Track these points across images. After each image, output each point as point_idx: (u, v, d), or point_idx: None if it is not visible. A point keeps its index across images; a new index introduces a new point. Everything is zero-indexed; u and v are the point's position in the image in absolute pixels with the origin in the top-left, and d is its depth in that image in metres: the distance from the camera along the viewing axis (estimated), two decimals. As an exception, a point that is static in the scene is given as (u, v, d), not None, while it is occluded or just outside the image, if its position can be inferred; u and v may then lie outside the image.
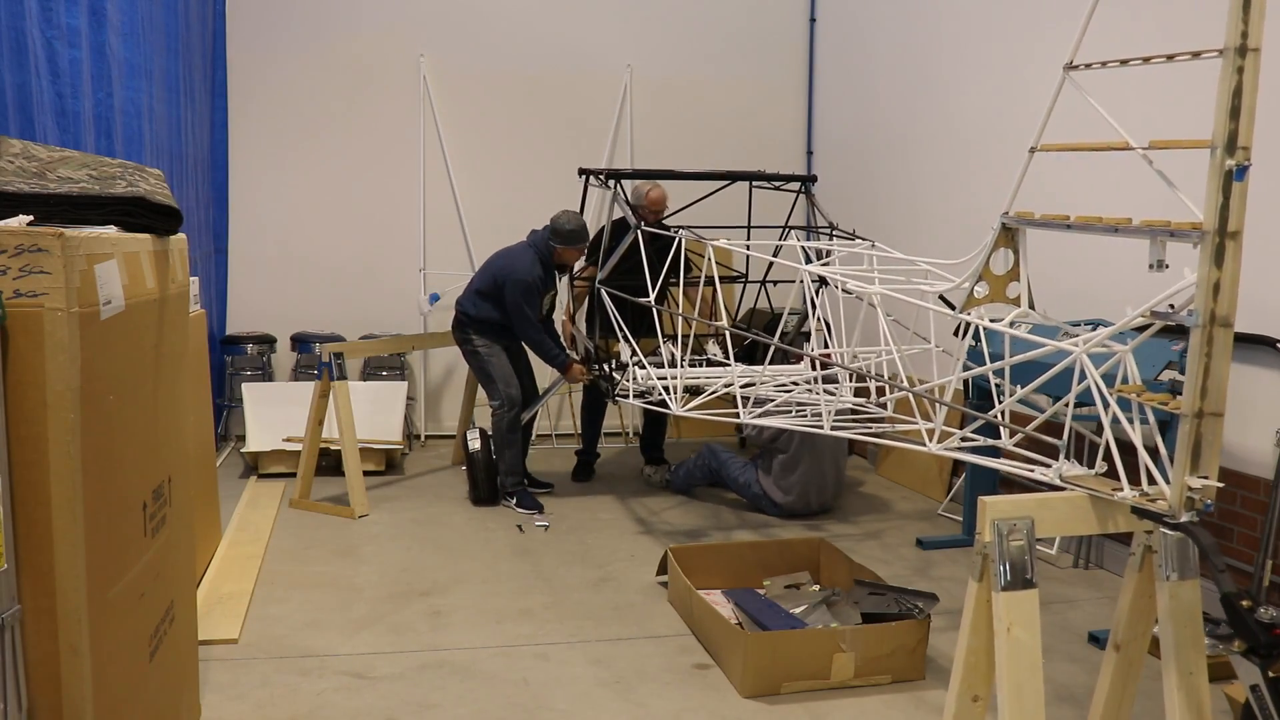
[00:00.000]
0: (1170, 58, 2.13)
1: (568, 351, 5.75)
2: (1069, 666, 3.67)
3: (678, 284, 4.94)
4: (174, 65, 5.57)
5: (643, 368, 4.98)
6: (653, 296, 4.80)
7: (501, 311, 5.57)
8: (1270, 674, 2.05)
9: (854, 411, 4.59)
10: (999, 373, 3.03)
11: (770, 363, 5.05)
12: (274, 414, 6.20)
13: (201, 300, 5.21)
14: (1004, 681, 2.11)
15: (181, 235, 2.74)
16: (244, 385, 6.42)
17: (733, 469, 5.63)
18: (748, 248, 4.73)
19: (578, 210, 5.62)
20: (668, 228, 5.28)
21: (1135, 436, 2.30)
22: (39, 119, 3.82)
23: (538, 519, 5.37)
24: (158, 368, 2.47)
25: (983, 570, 2.17)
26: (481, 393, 6.23)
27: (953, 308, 2.98)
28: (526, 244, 5.61)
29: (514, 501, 5.59)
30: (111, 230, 2.18)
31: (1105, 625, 2.36)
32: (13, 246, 1.79)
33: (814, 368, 4.89)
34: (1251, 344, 3.89)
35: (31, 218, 1.94)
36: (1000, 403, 3.01)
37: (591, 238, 5.79)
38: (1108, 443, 2.40)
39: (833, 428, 3.99)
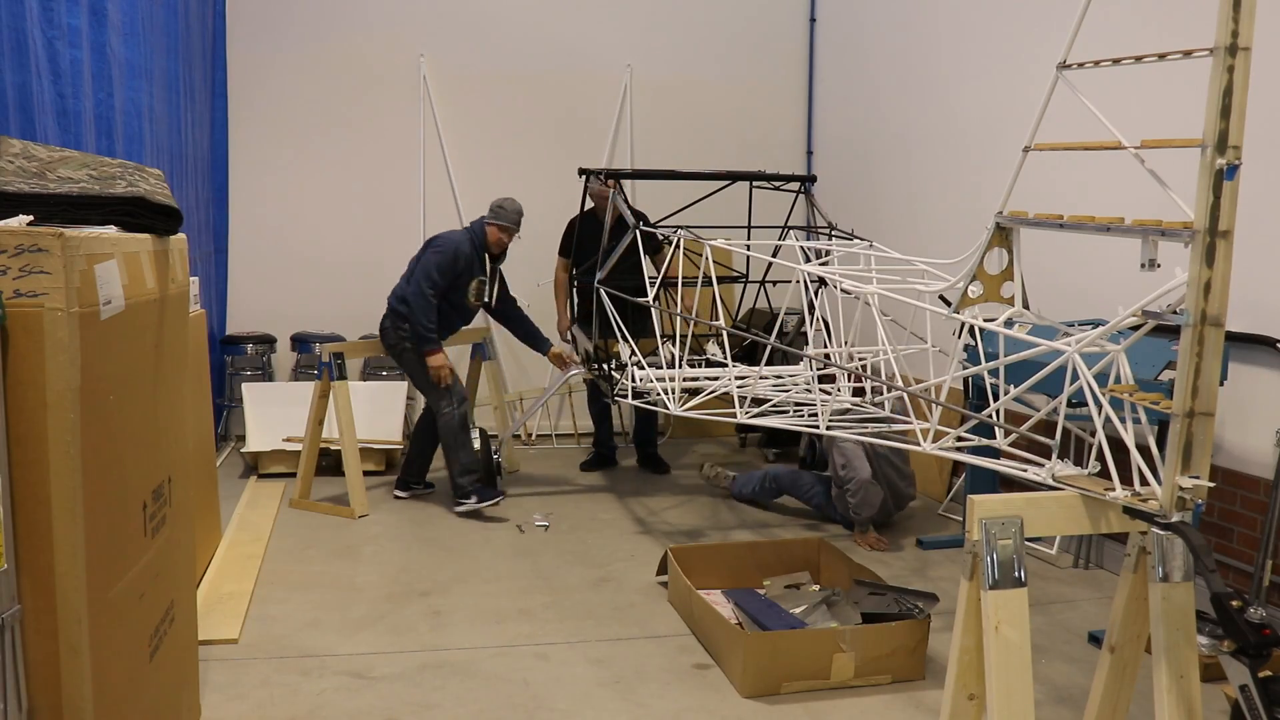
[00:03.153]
0: (1162, 56, 2.14)
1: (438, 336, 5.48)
2: (1068, 667, 3.67)
3: (676, 284, 4.95)
4: (174, 65, 5.58)
5: (641, 368, 4.98)
6: (651, 296, 4.80)
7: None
8: (1259, 674, 2.05)
9: (851, 411, 4.59)
10: (994, 373, 3.03)
11: (768, 363, 5.05)
12: (274, 414, 6.22)
13: (201, 300, 5.22)
14: (993, 680, 2.12)
15: (181, 235, 2.75)
16: (244, 385, 6.44)
17: (803, 488, 5.48)
18: (748, 248, 4.74)
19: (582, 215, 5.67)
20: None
21: (1128, 436, 2.31)
22: (40, 119, 3.82)
23: (537, 519, 5.37)
24: (158, 368, 2.48)
25: (973, 569, 2.17)
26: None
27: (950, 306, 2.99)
28: (464, 227, 5.67)
29: (474, 500, 5.38)
30: (111, 230, 2.19)
31: (1105, 625, 2.36)
32: (13, 246, 1.80)
33: (811, 367, 4.89)
34: (1251, 344, 3.89)
35: (31, 218, 1.95)
36: (994, 403, 3.01)
37: (564, 232, 5.87)
38: (1101, 443, 2.41)
39: (829, 427, 4.00)
